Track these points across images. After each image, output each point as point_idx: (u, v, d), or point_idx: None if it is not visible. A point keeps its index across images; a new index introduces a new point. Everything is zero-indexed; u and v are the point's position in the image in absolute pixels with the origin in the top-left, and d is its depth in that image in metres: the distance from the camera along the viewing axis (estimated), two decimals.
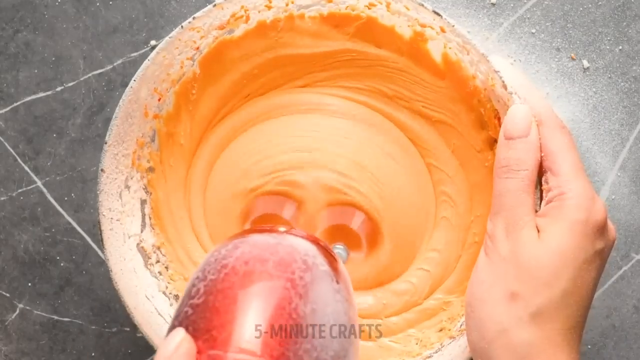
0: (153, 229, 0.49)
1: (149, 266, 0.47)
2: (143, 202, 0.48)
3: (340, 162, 0.48)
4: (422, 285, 0.49)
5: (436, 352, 0.46)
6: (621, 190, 0.52)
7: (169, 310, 0.47)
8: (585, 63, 0.52)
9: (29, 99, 0.54)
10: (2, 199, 0.54)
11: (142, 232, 0.48)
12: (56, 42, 0.54)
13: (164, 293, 0.48)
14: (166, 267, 0.49)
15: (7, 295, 0.54)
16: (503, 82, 0.41)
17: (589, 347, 0.52)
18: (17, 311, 0.54)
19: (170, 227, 0.49)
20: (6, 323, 0.54)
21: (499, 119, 0.44)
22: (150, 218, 0.48)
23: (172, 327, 0.33)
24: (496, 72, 0.42)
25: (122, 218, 0.46)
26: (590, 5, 0.52)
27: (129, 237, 0.47)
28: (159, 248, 0.49)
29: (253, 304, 0.33)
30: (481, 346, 0.39)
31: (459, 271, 0.49)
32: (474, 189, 0.48)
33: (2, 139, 0.54)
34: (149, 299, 0.46)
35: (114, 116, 0.44)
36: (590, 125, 0.52)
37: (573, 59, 0.53)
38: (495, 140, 0.45)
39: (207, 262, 0.36)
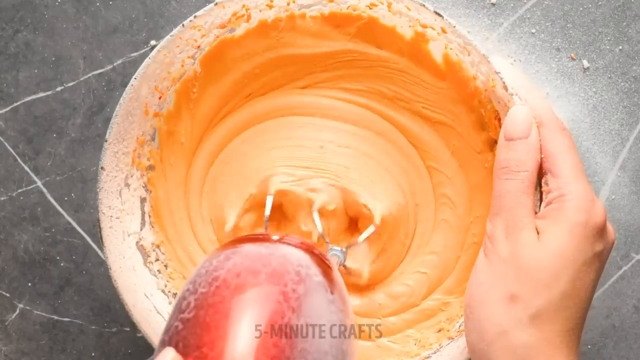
0: (152, 227, 0.49)
1: (148, 264, 0.48)
2: (143, 200, 0.48)
3: (337, 168, 0.48)
4: (419, 288, 0.49)
5: (435, 352, 0.46)
6: (621, 190, 0.52)
7: (168, 308, 0.47)
8: (585, 63, 0.52)
9: (29, 99, 0.54)
10: (2, 199, 0.54)
11: (141, 230, 0.48)
12: (56, 42, 0.54)
13: (163, 291, 0.48)
14: (165, 266, 0.49)
15: (7, 295, 0.54)
16: (504, 83, 0.41)
17: (589, 347, 0.52)
18: (17, 311, 0.54)
19: (169, 225, 0.49)
20: (6, 323, 0.54)
21: (499, 120, 0.44)
22: (149, 216, 0.48)
23: (162, 342, 0.33)
24: (497, 73, 0.42)
25: (121, 216, 0.46)
26: (590, 5, 0.52)
27: (129, 235, 0.47)
28: (158, 246, 0.49)
29: (244, 319, 0.32)
30: (480, 348, 0.39)
31: (458, 272, 0.49)
32: (474, 190, 0.48)
33: (2, 139, 0.54)
34: (148, 297, 0.46)
35: (114, 114, 0.45)
36: (590, 125, 0.52)
37: (573, 59, 0.53)
38: (496, 142, 0.45)
39: (198, 273, 0.35)
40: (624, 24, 0.52)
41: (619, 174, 0.52)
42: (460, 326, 0.46)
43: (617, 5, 0.52)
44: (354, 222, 0.49)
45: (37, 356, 0.54)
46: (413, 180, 0.49)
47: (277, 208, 0.49)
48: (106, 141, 0.45)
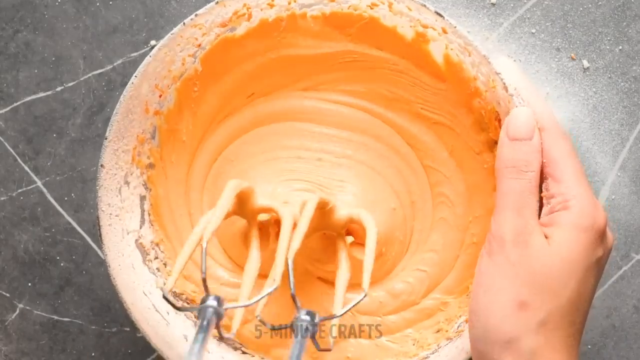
0: (152, 225, 0.49)
1: (147, 262, 0.48)
2: (142, 198, 0.48)
3: (331, 182, 0.49)
4: (419, 286, 0.49)
5: (433, 353, 0.46)
6: (621, 190, 0.52)
7: (167, 306, 0.47)
8: (585, 63, 0.52)
9: (29, 99, 0.54)
10: (2, 199, 0.54)
11: (141, 228, 0.48)
12: (56, 42, 0.54)
13: (162, 289, 0.47)
14: (164, 264, 0.49)
15: (7, 295, 0.54)
16: (504, 84, 0.42)
17: (589, 347, 0.52)
18: (17, 311, 0.54)
19: (169, 223, 0.49)
20: (6, 323, 0.54)
21: (499, 121, 0.44)
22: (149, 214, 0.48)
23: None
24: (497, 74, 0.42)
25: (121, 214, 0.46)
26: (590, 5, 0.52)
27: (128, 233, 0.47)
28: (157, 245, 0.49)
29: None
30: (487, 354, 0.39)
31: (458, 271, 0.49)
32: (473, 190, 0.48)
33: (2, 139, 0.54)
34: (147, 295, 0.46)
35: (114, 112, 0.45)
36: (590, 125, 0.52)
37: (573, 59, 0.53)
38: (495, 142, 0.45)
39: None
40: (624, 24, 0.52)
41: (619, 174, 0.52)
42: (458, 327, 0.46)
43: (617, 5, 0.52)
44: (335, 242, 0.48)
45: (37, 356, 0.54)
46: (408, 180, 0.49)
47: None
48: (106, 139, 0.45)
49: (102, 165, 0.45)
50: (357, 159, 0.49)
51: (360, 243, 0.49)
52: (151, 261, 0.48)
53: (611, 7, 0.52)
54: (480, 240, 0.47)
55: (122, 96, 0.45)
